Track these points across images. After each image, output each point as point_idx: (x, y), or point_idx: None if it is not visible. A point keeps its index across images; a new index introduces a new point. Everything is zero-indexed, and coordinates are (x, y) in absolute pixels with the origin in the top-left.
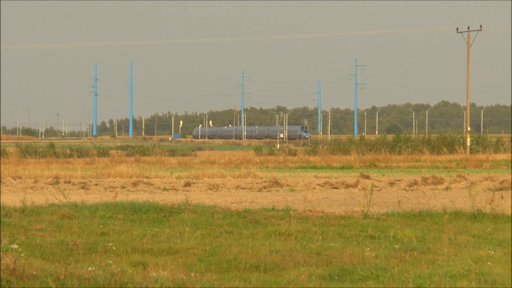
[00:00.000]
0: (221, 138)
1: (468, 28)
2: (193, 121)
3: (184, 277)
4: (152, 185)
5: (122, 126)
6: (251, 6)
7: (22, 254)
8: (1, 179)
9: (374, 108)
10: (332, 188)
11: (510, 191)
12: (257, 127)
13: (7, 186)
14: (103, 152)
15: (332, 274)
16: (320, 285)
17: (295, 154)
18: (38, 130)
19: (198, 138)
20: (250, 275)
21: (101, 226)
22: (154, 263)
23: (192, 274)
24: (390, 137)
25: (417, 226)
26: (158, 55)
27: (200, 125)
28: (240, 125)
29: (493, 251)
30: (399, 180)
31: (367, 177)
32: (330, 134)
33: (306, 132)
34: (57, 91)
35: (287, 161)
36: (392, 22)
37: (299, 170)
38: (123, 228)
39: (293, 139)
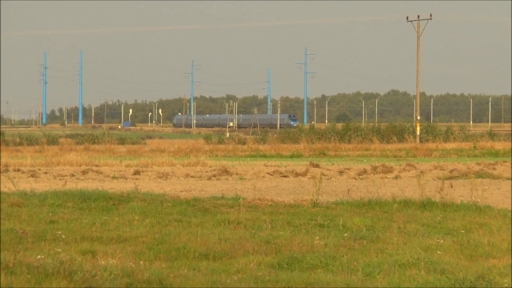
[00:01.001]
0: (207, 127)
1: (418, 17)
2: (143, 109)
3: (133, 265)
4: (101, 174)
5: (72, 114)
6: None
7: None
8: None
9: (324, 97)
10: (281, 176)
11: (458, 180)
12: (241, 115)
13: None
14: (52, 140)
15: (281, 262)
16: (269, 274)
17: (244, 143)
18: None
19: (181, 127)
20: (199, 263)
21: (50, 214)
22: (103, 251)
23: (141, 262)
24: (339, 125)
25: (367, 215)
26: (108, 43)
27: (184, 114)
28: (190, 113)
29: (442, 240)
30: (349, 169)
31: (317, 166)
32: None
33: (294, 120)
34: (7, 79)
35: (237, 150)
36: (342, 10)
37: (248, 158)
38: (72, 216)
39: (281, 127)
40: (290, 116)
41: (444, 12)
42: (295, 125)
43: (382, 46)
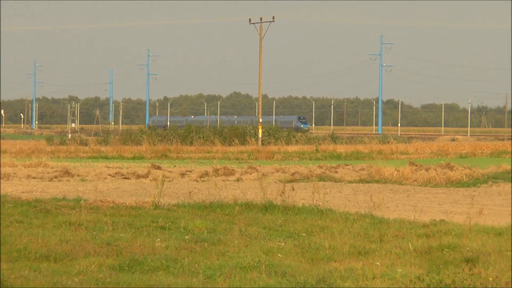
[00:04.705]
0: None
1: (261, 19)
2: None
3: None
4: None
5: None
6: None
7: None
8: None
9: (166, 98)
10: (123, 178)
11: (300, 182)
12: (236, 117)
13: None
14: None
15: (122, 264)
16: (110, 276)
17: (86, 144)
18: None
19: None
20: (40, 264)
21: None
22: None
23: None
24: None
25: (208, 217)
26: None
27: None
28: (32, 115)
29: (283, 243)
30: (190, 171)
31: (159, 168)
32: (122, 124)
33: (305, 123)
34: None
35: (79, 151)
36: (184, 11)
37: (90, 160)
38: None
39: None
40: (299, 118)
41: (287, 15)
42: (306, 128)
43: (225, 48)
